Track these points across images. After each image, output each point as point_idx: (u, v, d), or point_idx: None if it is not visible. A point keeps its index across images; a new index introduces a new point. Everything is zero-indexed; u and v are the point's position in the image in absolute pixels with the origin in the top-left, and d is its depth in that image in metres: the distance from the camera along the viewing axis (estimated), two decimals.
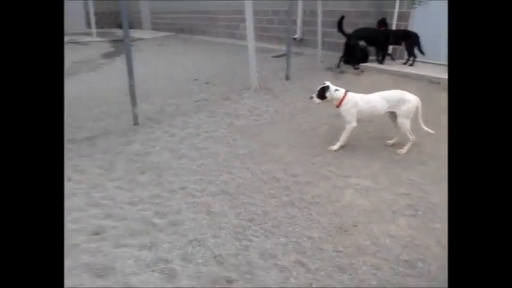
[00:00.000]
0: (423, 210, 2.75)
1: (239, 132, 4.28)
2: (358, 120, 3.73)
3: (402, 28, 6.68)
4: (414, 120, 3.65)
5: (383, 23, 6.71)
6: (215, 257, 2.26)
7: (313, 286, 2.06)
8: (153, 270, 2.15)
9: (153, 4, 17.60)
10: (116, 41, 13.58)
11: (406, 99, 3.58)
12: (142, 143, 4.02)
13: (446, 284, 1.21)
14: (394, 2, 6.91)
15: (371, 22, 7.11)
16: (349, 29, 6.73)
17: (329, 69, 6.94)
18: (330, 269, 2.19)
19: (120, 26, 15.98)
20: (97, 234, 2.48)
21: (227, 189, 3.03)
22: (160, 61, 9.38)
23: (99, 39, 14.26)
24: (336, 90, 3.67)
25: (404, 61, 6.49)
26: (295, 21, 9.29)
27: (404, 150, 3.67)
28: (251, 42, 5.89)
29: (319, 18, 7.25)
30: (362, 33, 6.69)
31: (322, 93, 3.68)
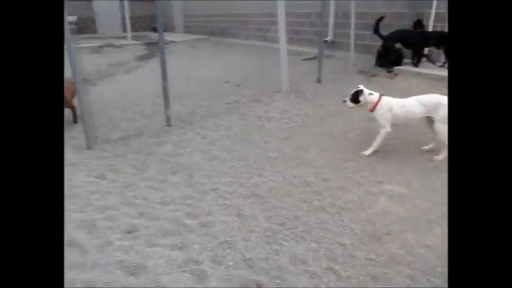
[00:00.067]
0: None
1: (270, 135, 4.27)
2: (393, 125, 3.63)
3: (439, 30, 6.46)
4: None
5: (419, 24, 6.53)
6: (245, 260, 2.25)
7: None
8: (183, 271, 2.17)
9: (186, 8, 17.93)
10: (149, 44, 13.92)
11: (444, 104, 3.44)
12: (174, 144, 4.08)
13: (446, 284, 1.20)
14: (431, 3, 6.69)
15: (406, 24, 6.93)
16: (383, 31, 6.59)
17: (361, 72, 6.82)
18: (362, 277, 2.13)
19: (153, 30, 16.40)
20: (130, 232, 2.53)
21: (258, 192, 3.03)
22: (192, 63, 9.53)
23: (133, 42, 14.66)
24: (370, 94, 3.59)
25: (441, 64, 6.28)
26: (326, 24, 9.19)
27: (440, 156, 3.53)
28: (283, 44, 5.87)
29: (353, 20, 7.14)
30: (399, 36, 6.53)
31: (355, 97, 3.61)
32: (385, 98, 3.60)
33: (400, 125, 3.82)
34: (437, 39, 6.18)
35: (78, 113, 4.87)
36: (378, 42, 6.89)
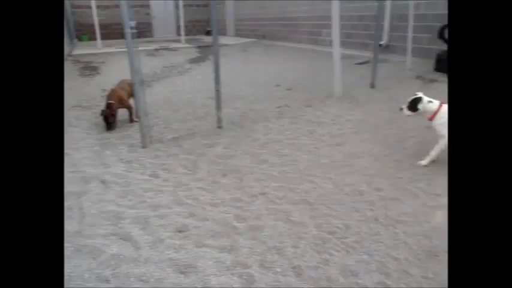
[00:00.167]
0: None
1: (321, 140, 4.19)
2: None
3: None
4: None
5: None
6: (294, 267, 2.21)
7: None
8: (232, 274, 2.17)
9: (238, 11, 18.22)
10: (202, 47, 14.31)
11: None
12: (225, 146, 4.14)
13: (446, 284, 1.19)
14: None
15: None
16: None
17: (418, 77, 6.52)
18: None
19: (206, 33, 16.90)
20: (181, 231, 2.58)
21: (308, 198, 2.97)
22: (243, 66, 9.65)
23: (187, 45, 15.14)
24: (430, 102, 3.40)
25: None
26: (381, 26, 8.90)
27: None
28: (336, 48, 5.76)
29: (411, 22, 6.85)
30: None
31: (413, 105, 3.43)
32: (445, 106, 3.40)
33: None
34: None
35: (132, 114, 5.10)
36: (437, 46, 6.55)
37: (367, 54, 8.65)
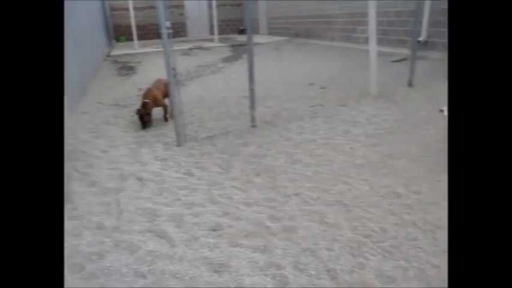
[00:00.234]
0: None
1: (356, 140, 4.10)
2: None
3: None
4: None
5: None
6: (328, 270, 2.17)
7: None
8: (265, 274, 2.16)
9: (270, 10, 18.18)
10: (234, 46, 14.40)
11: None
12: (258, 145, 4.13)
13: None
14: None
15: None
16: None
17: None
18: None
19: (239, 32, 17.02)
20: (214, 230, 2.60)
21: (343, 200, 2.91)
22: (276, 65, 9.61)
23: (220, 44, 15.29)
24: None
25: None
26: (420, 22, 8.59)
27: None
28: (373, 45, 5.61)
29: None
30: None
31: None
32: None
33: None
34: None
35: (167, 113, 5.20)
36: None
37: (405, 52, 8.38)
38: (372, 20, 5.51)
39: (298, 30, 15.60)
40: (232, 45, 14.66)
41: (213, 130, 4.73)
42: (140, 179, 3.44)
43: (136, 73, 9.76)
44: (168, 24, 3.83)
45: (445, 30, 6.83)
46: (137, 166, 3.74)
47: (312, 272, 2.16)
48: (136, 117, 4.97)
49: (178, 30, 19.44)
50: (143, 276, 2.19)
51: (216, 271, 2.21)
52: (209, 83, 7.98)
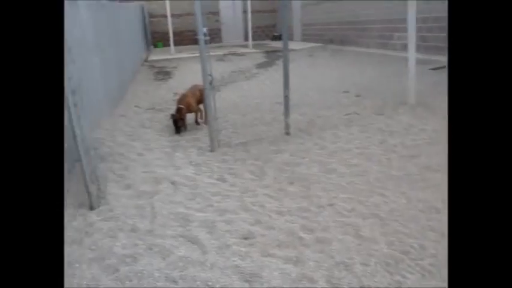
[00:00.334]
0: None
1: (393, 151, 3.96)
2: None
3: None
4: None
5: None
6: (363, 287, 2.09)
7: None
8: (297, 287, 2.11)
9: (304, 16, 18.12)
10: (268, 52, 14.43)
11: None
12: (292, 153, 4.08)
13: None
14: None
15: None
16: None
17: None
18: None
19: (273, 38, 17.05)
20: (246, 238, 2.58)
21: (378, 212, 2.81)
22: (310, 72, 9.54)
23: (254, 50, 15.37)
24: None
25: None
26: None
27: None
28: (412, 52, 5.45)
29: None
30: None
31: None
32: None
33: None
34: None
35: (201, 117, 5.26)
36: None
37: (444, 59, 8.09)
38: (411, 25, 5.35)
39: (333, 37, 15.43)
40: (266, 51, 14.70)
41: (246, 136, 4.73)
42: (174, 183, 3.48)
43: (172, 78, 9.97)
44: (205, 30, 3.87)
45: None
46: (171, 170, 3.79)
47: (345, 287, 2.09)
48: (171, 122, 5.06)
49: (214, 36, 19.74)
50: (174, 281, 2.20)
51: (247, 280, 2.18)
52: (243, 88, 8.02)
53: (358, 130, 4.68)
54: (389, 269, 2.22)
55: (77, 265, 2.37)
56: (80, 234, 2.71)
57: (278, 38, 19.31)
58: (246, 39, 17.72)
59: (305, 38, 18.33)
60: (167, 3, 14.91)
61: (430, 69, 8.02)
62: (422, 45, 9.83)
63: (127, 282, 2.21)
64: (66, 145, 3.57)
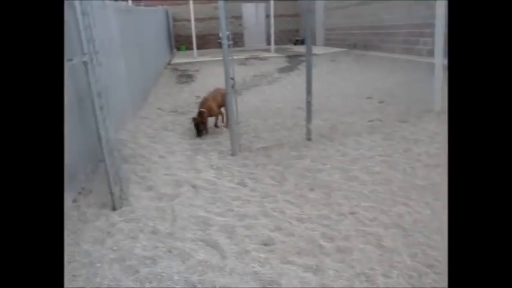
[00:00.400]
0: None
1: (417, 160, 3.87)
2: None
3: None
4: None
5: None
6: None
7: None
8: None
9: (327, 20, 18.01)
10: (290, 57, 14.40)
11: None
12: (313, 159, 4.04)
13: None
14: None
15: None
16: None
17: None
18: None
19: (295, 43, 17.01)
20: (266, 245, 2.56)
21: (401, 223, 2.74)
22: (333, 77, 9.46)
23: (276, 55, 15.37)
24: None
25: None
26: None
27: None
28: (439, 58, 5.33)
29: None
30: None
31: None
32: None
33: None
34: None
35: (222, 121, 5.29)
36: None
37: None
38: (439, 30, 5.24)
39: (356, 42, 15.27)
40: (288, 56, 14.67)
41: (267, 141, 4.72)
42: (194, 187, 3.49)
43: (194, 81, 10.08)
44: (228, 34, 3.90)
45: None
46: (192, 173, 3.81)
47: None
48: (192, 125, 5.10)
49: (237, 41, 19.87)
50: (193, 285, 2.20)
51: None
52: (265, 93, 8.02)
53: (381, 137, 4.59)
54: (412, 282, 2.16)
55: (99, 265, 2.41)
56: (102, 234, 2.75)
57: (300, 42, 19.27)
58: (269, 43, 17.75)
59: (327, 42, 18.21)
60: (191, 7, 15.13)
61: None
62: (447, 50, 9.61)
63: (147, 284, 2.23)
64: (90, 146, 3.65)
